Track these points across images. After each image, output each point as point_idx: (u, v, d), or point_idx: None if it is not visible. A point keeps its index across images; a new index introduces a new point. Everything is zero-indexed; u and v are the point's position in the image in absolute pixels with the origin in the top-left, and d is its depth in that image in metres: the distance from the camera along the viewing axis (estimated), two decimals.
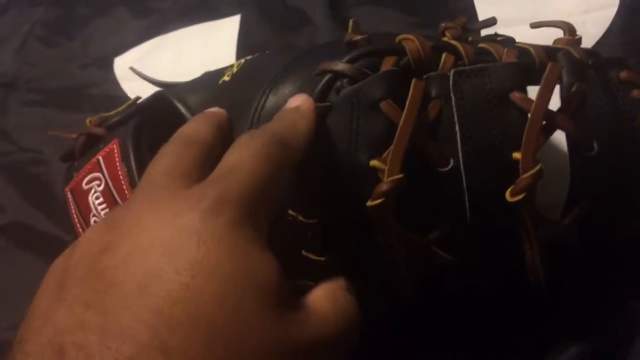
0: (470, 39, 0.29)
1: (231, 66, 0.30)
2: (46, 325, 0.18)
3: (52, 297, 0.19)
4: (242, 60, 0.30)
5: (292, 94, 0.25)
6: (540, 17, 0.44)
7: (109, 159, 0.28)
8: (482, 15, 0.46)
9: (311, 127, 0.24)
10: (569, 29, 0.28)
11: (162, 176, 0.21)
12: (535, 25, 0.30)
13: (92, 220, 0.28)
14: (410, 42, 0.25)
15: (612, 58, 0.27)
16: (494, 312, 0.29)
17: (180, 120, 0.27)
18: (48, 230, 0.41)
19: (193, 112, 0.28)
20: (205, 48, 0.49)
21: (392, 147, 0.23)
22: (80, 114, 0.48)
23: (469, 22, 0.30)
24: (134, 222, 0.20)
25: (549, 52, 0.26)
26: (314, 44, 0.47)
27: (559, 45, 0.27)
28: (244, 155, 0.21)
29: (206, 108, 0.27)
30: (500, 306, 0.29)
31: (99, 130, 0.31)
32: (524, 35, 0.44)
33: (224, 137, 0.24)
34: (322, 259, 0.25)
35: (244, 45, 0.48)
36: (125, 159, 0.27)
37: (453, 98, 0.24)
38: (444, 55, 0.25)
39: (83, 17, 0.55)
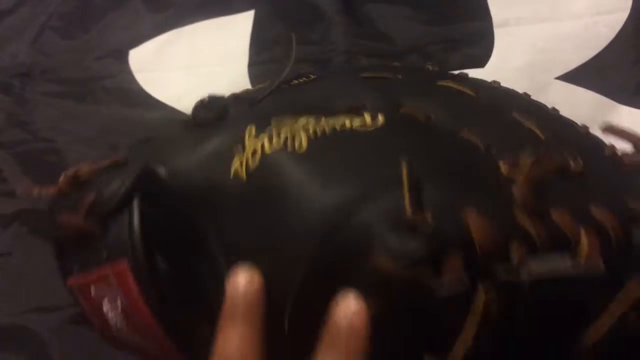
0: None
1: (243, 149, 0.26)
2: None
3: None
4: (257, 163, 0.25)
5: None
6: (553, 16, 0.45)
7: (120, 279, 0.25)
8: (494, 13, 0.46)
9: None
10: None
11: None
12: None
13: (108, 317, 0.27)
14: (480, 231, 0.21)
15: None
16: None
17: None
18: None
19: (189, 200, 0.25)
20: (219, 42, 0.50)
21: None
22: (95, 104, 0.49)
23: None
24: None
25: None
26: (327, 39, 0.48)
27: None
28: None
29: (212, 202, 0.25)
30: None
31: (94, 228, 0.27)
32: (536, 35, 0.44)
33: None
34: None
35: (257, 41, 0.49)
36: (140, 281, 0.25)
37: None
38: (514, 246, 0.21)
39: (99, 9, 0.55)
